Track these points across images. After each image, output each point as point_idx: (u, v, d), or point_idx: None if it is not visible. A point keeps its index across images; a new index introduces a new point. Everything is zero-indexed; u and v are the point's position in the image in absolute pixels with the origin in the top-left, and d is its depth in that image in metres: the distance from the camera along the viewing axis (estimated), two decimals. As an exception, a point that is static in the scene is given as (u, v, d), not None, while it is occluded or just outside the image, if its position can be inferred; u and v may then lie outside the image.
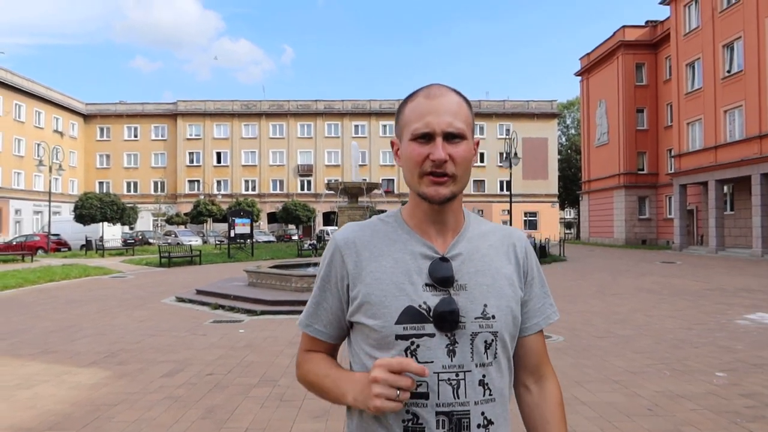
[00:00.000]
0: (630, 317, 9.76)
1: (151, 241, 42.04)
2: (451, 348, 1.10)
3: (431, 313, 1.10)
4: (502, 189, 57.45)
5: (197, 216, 46.01)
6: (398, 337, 1.10)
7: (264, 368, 6.30)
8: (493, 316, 1.13)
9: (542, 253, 23.80)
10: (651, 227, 38.13)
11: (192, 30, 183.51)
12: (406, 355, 1.10)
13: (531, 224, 56.64)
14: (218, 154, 58.13)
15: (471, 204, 57.22)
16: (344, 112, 58.53)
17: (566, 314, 10.07)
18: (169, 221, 49.84)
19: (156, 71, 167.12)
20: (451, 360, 1.10)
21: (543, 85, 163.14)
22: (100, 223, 32.54)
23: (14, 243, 29.80)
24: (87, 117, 57.97)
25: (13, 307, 11.36)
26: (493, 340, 1.13)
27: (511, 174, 25.92)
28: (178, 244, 35.99)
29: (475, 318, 1.12)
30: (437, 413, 1.08)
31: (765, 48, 23.70)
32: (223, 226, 47.90)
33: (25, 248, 26.40)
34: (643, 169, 38.51)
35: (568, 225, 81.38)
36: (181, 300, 12.04)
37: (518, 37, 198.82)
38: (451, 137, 1.11)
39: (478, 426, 1.10)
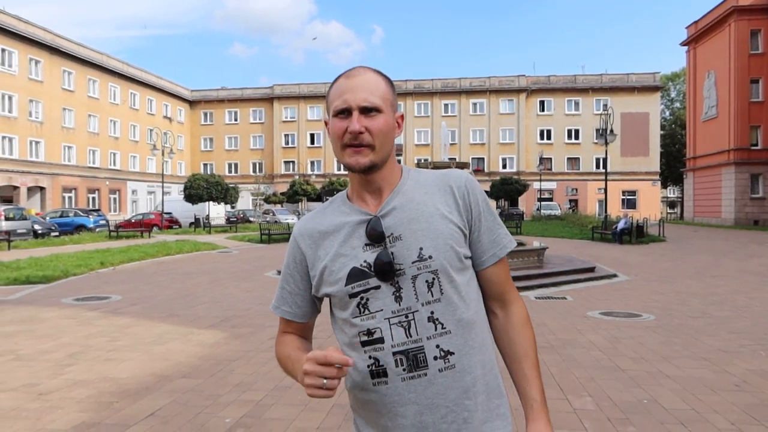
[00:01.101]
0: (729, 298, 9.46)
1: (251, 219, 44.53)
2: (397, 294, 1.20)
3: (372, 269, 1.21)
4: (597, 167, 55.11)
5: (293, 195, 48.08)
6: (350, 296, 1.23)
7: (360, 335, 6.85)
8: (430, 257, 1.21)
9: (639, 233, 22.90)
10: (765, 206, 35.37)
11: (285, 15, 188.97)
12: (358, 309, 1.23)
13: (629, 203, 54.15)
14: (312, 136, 60.07)
15: (565, 182, 55.58)
16: (434, 91, 58.40)
17: (660, 294, 9.91)
18: (267, 200, 52.39)
19: (253, 56, 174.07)
20: (399, 304, 1.20)
21: (645, 56, 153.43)
22: (207, 203, 34.96)
23: (133, 221, 32.75)
24: (192, 103, 61.79)
25: (139, 278, 12.75)
26: (434, 279, 1.21)
27: (606, 151, 25.05)
28: (276, 222, 37.95)
29: (412, 262, 1.21)
30: (394, 353, 1.19)
31: None
32: (316, 204, 49.68)
33: (143, 225, 28.98)
34: (756, 144, 35.70)
35: (671, 204, 76.95)
36: (280, 273, 12.96)
37: (617, 6, 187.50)
38: (367, 111, 1.20)
39: (435, 358, 1.19)
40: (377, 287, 1.21)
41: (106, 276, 13.03)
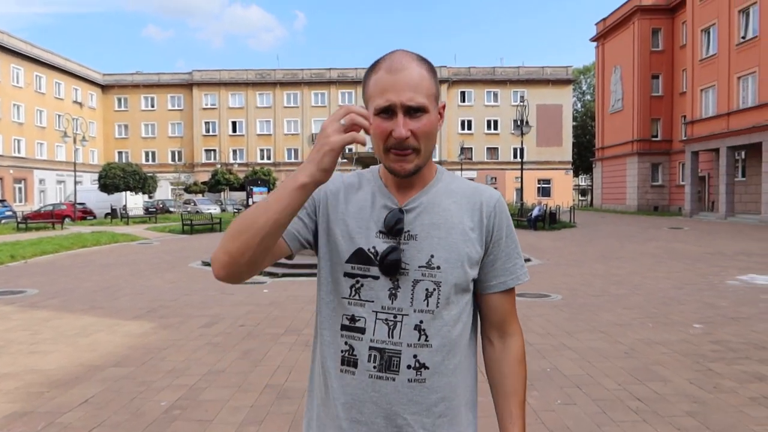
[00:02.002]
0: (627, 279, 10.42)
1: (171, 209, 43.18)
2: (393, 292, 1.17)
3: (378, 258, 1.17)
4: (515, 156, 57.46)
5: (215, 185, 47.02)
6: (346, 274, 1.19)
7: (288, 321, 7.08)
8: (438, 267, 1.17)
9: (552, 219, 24.33)
10: (663, 194, 38.37)
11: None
12: (351, 292, 1.19)
13: (545, 191, 56.89)
14: (234, 124, 58.79)
15: (485, 171, 57.55)
16: (358, 80, 58.58)
17: (568, 277, 10.75)
18: (187, 190, 50.93)
19: (169, 39, 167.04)
20: (392, 303, 1.17)
21: (559, 50, 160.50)
22: (123, 193, 33.63)
23: (42, 211, 30.99)
24: (105, 87, 58.77)
25: (55, 270, 12.29)
26: (434, 290, 1.17)
27: (522, 141, 26.29)
28: (197, 212, 37.05)
29: (419, 266, 1.17)
30: (370, 347, 1.16)
31: (780, 13, 23.61)
32: (239, 195, 48.94)
33: (54, 216, 27.52)
34: (657, 136, 38.56)
35: (582, 192, 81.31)
36: (206, 264, 12.88)
37: (532, 0, 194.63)
38: (412, 111, 1.13)
39: (408, 367, 1.16)
40: (376, 278, 1.17)
41: (17, 269, 12.47)
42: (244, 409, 4.10)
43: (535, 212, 23.99)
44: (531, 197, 47.04)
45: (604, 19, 44.18)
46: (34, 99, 47.91)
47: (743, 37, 26.43)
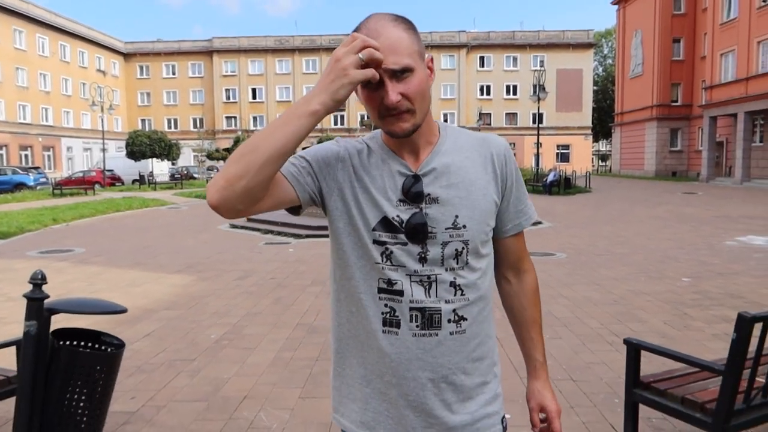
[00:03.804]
0: (631, 240, 11.00)
1: (195, 175, 44.29)
2: (423, 255, 1.19)
3: (404, 225, 1.18)
4: (534, 122, 57.21)
5: (237, 151, 47.83)
6: (375, 242, 1.20)
7: (314, 275, 7.86)
8: (464, 226, 1.20)
9: (567, 184, 24.75)
10: (682, 159, 38.32)
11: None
12: (383, 258, 1.20)
13: (563, 157, 56.77)
14: (254, 91, 59.27)
15: (503, 137, 57.01)
16: (376, 46, 58.43)
17: (576, 238, 11.36)
18: (210, 156, 51.93)
19: (185, 5, 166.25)
20: (423, 266, 1.19)
21: (581, 13, 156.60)
22: (150, 159, 34.69)
23: (73, 178, 32.22)
24: (127, 56, 59.49)
25: (94, 233, 13.24)
26: (463, 248, 1.21)
27: (538, 107, 26.58)
28: (220, 178, 37.94)
29: (446, 228, 1.19)
30: (410, 308, 1.19)
31: (803, -25, 23.29)
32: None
33: (86, 183, 28.70)
34: (677, 101, 38.28)
35: (602, 158, 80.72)
36: (234, 227, 13.71)
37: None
38: (399, 74, 1.12)
39: (449, 321, 1.20)
40: (404, 244, 1.19)
41: (61, 231, 13.45)
42: (281, 341, 4.90)
43: (550, 177, 24.42)
44: (550, 163, 47.21)
45: (626, -19, 43.42)
46: (60, 68, 48.87)
47: (764, 1, 26.09)
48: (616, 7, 45.50)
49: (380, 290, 1.21)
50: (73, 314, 1.94)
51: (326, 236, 1.39)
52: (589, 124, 58.96)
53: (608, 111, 60.98)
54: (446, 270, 1.20)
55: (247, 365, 4.31)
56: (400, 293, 1.19)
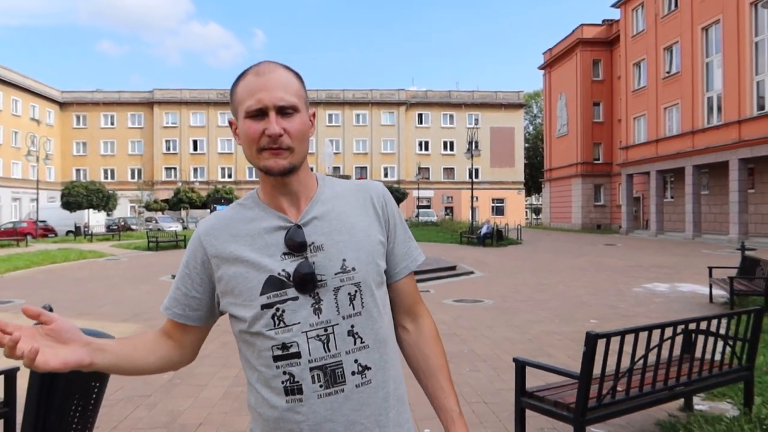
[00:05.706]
0: (552, 287, 12.05)
1: (133, 227, 43.45)
2: (316, 306, 1.16)
3: (291, 279, 1.15)
4: (470, 176, 59.80)
5: (177, 203, 47.53)
6: (263, 306, 1.16)
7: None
8: (353, 268, 1.18)
9: (499, 236, 26.13)
10: (605, 213, 41.05)
11: (160, 13, 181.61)
12: (273, 321, 1.15)
13: (498, 210, 59.30)
14: (195, 142, 59.30)
15: (441, 191, 59.68)
16: (318, 101, 60.05)
17: (503, 286, 12.31)
18: (148, 207, 51.15)
19: (124, 55, 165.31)
20: (318, 317, 1.15)
21: (512, 76, 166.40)
22: (86, 210, 34.03)
23: (3, 229, 31.12)
24: (63, 105, 58.52)
25: (33, 284, 13.14)
26: (356, 291, 1.18)
27: (472, 163, 28.18)
28: (159, 229, 37.59)
29: (335, 273, 1.17)
30: (311, 369, 1.14)
31: (698, 52, 26.39)
32: (200, 212, 49.50)
33: (17, 234, 27.85)
34: (598, 159, 41.31)
35: (536, 211, 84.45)
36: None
37: (491, 30, 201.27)
38: (283, 111, 1.14)
39: (353, 373, 1.16)
40: (295, 298, 1.15)
41: (-4, 283, 13.27)
42: (230, 378, 5.40)
43: (483, 230, 25.76)
44: (486, 215, 49.30)
45: (550, 49, 47.11)
46: (-9, 116, 47.51)
47: (668, 72, 29.22)
48: (542, 72, 49.06)
49: (275, 358, 1.16)
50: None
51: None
52: (522, 179, 62.12)
53: (539, 167, 64.51)
54: (343, 318, 1.17)
55: (200, 398, 4.80)
56: (297, 355, 1.15)
